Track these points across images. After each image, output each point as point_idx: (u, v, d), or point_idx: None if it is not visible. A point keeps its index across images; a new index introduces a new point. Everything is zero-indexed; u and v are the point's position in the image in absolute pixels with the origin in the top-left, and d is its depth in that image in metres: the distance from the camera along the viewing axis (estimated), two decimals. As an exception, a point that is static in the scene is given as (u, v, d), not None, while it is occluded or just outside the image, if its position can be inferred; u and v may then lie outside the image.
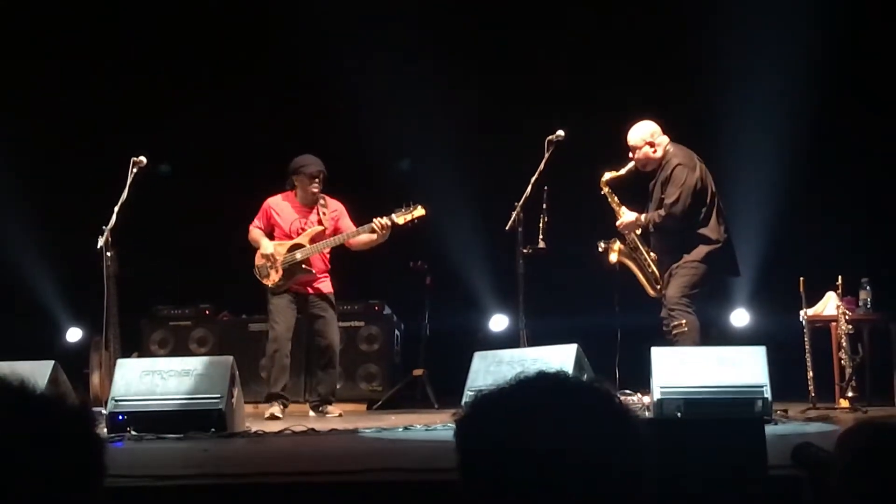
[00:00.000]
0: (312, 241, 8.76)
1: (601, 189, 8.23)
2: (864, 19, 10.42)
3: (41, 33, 11.37)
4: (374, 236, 8.68)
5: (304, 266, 8.72)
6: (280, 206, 8.91)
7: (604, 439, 1.62)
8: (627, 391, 8.24)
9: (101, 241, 8.18)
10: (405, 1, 10.68)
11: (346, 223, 8.83)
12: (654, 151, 8.12)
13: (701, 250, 8.00)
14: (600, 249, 8.30)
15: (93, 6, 11.38)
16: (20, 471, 1.57)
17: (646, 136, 8.15)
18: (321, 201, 8.85)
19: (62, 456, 1.61)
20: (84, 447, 1.66)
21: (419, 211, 8.71)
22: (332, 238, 8.76)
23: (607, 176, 8.23)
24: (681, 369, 7.12)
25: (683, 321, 7.86)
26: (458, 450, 1.69)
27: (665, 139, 8.16)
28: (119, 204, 8.22)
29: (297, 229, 8.80)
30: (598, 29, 10.94)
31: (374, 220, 8.62)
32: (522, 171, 8.38)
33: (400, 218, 8.65)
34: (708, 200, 8.04)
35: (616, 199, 8.23)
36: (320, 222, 8.80)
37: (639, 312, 8.54)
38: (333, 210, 8.86)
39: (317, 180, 8.77)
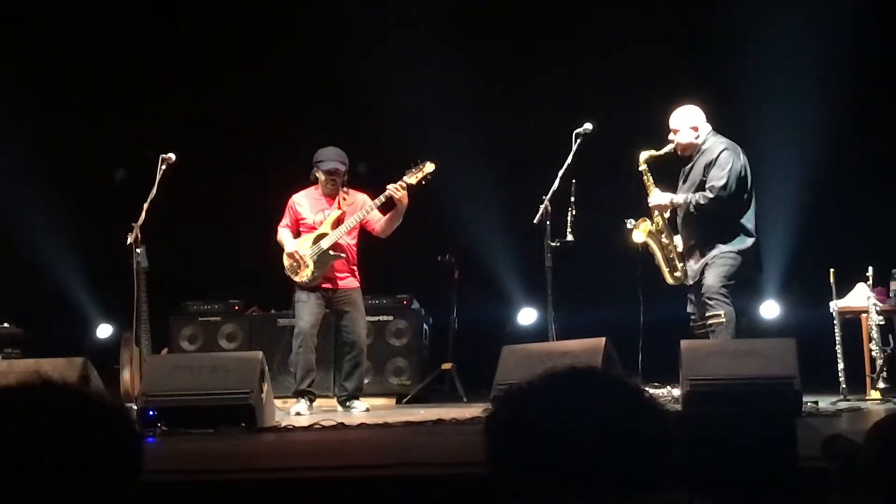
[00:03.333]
0: (335, 226, 8.77)
1: (638, 165, 8.18)
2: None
3: (67, 29, 11.42)
4: (396, 209, 8.65)
5: (332, 252, 8.73)
6: (303, 200, 8.93)
7: (633, 434, 1.62)
8: (656, 384, 8.23)
9: (130, 238, 8.22)
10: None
11: (369, 212, 8.81)
12: (697, 136, 8.08)
13: (739, 242, 7.94)
14: (629, 227, 8.26)
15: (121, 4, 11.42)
16: (61, 467, 1.59)
17: (691, 119, 8.11)
18: (343, 193, 8.86)
19: (101, 453, 1.63)
20: (123, 445, 1.68)
21: (429, 166, 8.68)
22: (353, 216, 8.75)
23: (646, 154, 8.18)
24: (710, 362, 7.10)
25: (721, 312, 7.80)
26: (487, 445, 1.69)
27: (708, 126, 8.13)
28: (148, 200, 8.26)
29: (321, 221, 8.82)
30: (624, 21, 10.90)
31: (388, 187, 8.61)
32: (550, 164, 8.36)
33: (412, 178, 8.63)
34: (748, 190, 8.00)
35: (651, 178, 8.19)
36: (340, 208, 8.81)
37: (664, 305, 8.51)
38: (354, 201, 8.86)
39: (332, 177, 8.78)
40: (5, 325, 9.79)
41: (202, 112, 11.37)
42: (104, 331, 11.48)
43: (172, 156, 8.43)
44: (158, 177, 8.35)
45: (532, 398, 1.69)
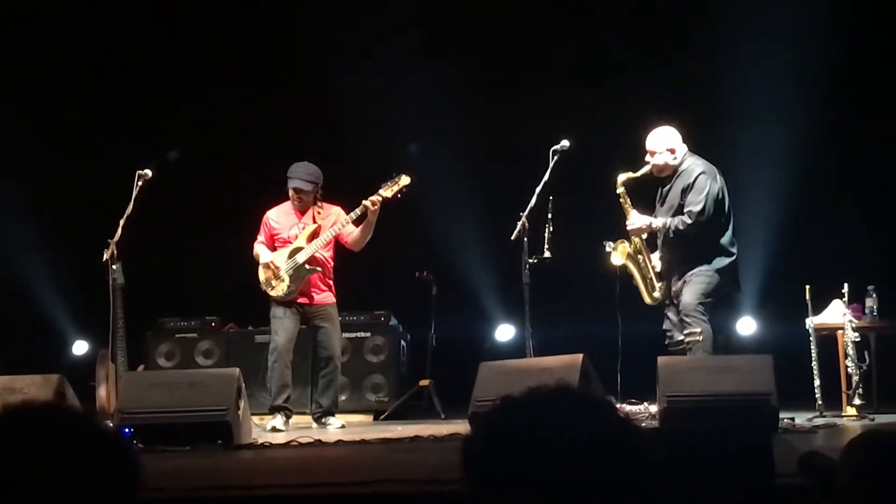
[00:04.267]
0: (310, 239, 8.76)
1: (615, 188, 8.20)
2: (868, 22, 10.42)
3: (45, 41, 11.40)
4: (367, 222, 8.65)
5: (308, 266, 8.72)
6: (277, 215, 8.93)
7: (609, 451, 1.62)
8: (634, 400, 8.24)
9: (106, 255, 8.20)
10: (413, 5, 10.71)
11: (344, 226, 8.80)
12: (674, 158, 8.10)
13: (717, 261, 7.97)
14: (607, 249, 8.27)
15: (93, 19, 11.40)
16: (61, 490, 1.60)
17: (667, 141, 8.12)
18: (317, 207, 8.86)
19: (99, 475, 1.65)
20: (120, 466, 1.70)
21: (405, 180, 8.69)
22: (329, 230, 8.75)
23: (623, 177, 8.19)
24: (687, 378, 7.11)
25: (699, 329, 7.82)
26: (464, 462, 1.69)
27: (685, 147, 8.14)
28: (124, 217, 8.24)
29: (296, 235, 8.82)
30: (603, 41, 10.94)
31: (364, 201, 8.61)
32: (528, 181, 8.38)
33: (387, 191, 8.64)
34: (726, 211, 8.04)
35: (628, 200, 8.21)
36: (315, 222, 8.81)
37: (642, 322, 8.53)
38: (330, 214, 8.86)
39: (298, 195, 8.78)
40: (-21, 341, 9.74)
41: (179, 127, 11.35)
42: (80, 347, 11.41)
43: (149, 172, 8.41)
44: (135, 193, 8.33)
45: (509, 416, 1.69)
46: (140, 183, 8.37)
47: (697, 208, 7.90)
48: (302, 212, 8.87)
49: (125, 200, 8.30)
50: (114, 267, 8.20)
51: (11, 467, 1.61)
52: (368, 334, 10.15)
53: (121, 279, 8.22)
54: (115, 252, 8.22)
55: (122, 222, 8.24)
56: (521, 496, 1.60)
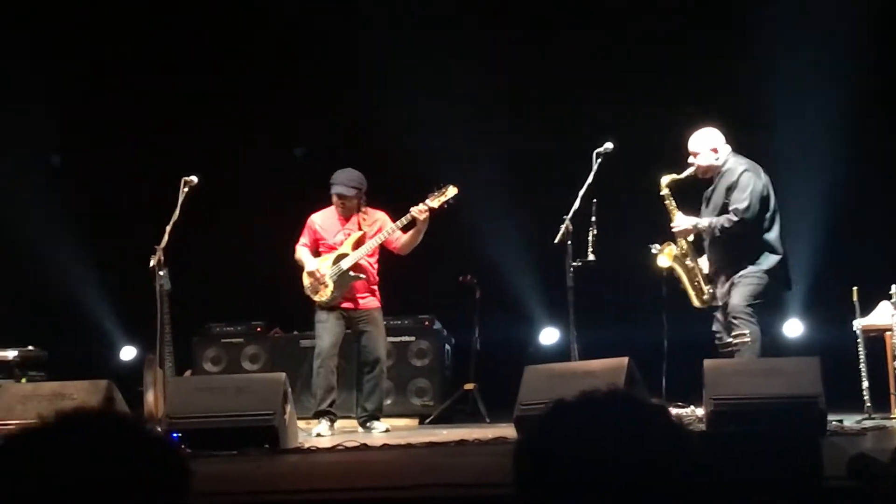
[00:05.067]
0: (355, 247, 8.79)
1: (660, 190, 8.18)
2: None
3: (91, 53, 11.51)
4: (416, 230, 8.68)
5: (352, 273, 8.75)
6: (322, 220, 8.96)
7: (658, 455, 1.62)
8: (680, 403, 8.20)
9: (153, 261, 8.25)
10: (454, 9, 10.72)
11: (391, 234, 8.83)
12: (717, 158, 8.07)
13: (765, 260, 7.93)
14: (653, 252, 8.26)
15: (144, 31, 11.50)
16: (112, 495, 1.62)
17: (710, 142, 8.10)
18: (362, 212, 8.89)
19: (151, 481, 1.67)
20: (170, 470, 1.72)
21: (452, 190, 8.70)
22: (374, 238, 8.78)
23: (667, 178, 8.18)
24: (734, 381, 7.07)
25: (747, 331, 7.78)
26: (515, 466, 1.70)
27: (728, 148, 8.12)
28: (171, 223, 8.30)
29: (341, 241, 8.84)
30: (645, 42, 10.90)
31: (411, 210, 8.64)
32: (571, 184, 8.36)
33: (434, 201, 8.65)
34: (771, 209, 8.00)
35: (673, 202, 8.19)
36: (360, 228, 8.84)
37: (687, 324, 8.50)
38: (375, 220, 8.88)
39: (341, 201, 8.82)
40: (30, 347, 9.84)
41: (225, 134, 11.43)
42: (128, 353, 11.52)
43: (195, 178, 8.47)
44: (181, 199, 8.38)
45: (561, 419, 1.70)
46: (186, 189, 8.42)
47: (743, 205, 7.87)
48: (346, 218, 8.90)
49: (172, 207, 8.36)
50: (161, 273, 8.25)
51: (64, 472, 1.63)
52: (413, 338, 10.17)
53: (168, 285, 8.27)
54: (162, 258, 8.27)
55: (168, 228, 8.29)
56: (572, 500, 1.61)
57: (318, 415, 8.70)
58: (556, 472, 1.63)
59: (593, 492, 1.60)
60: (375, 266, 8.91)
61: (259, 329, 10.50)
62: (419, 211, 8.61)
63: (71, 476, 1.62)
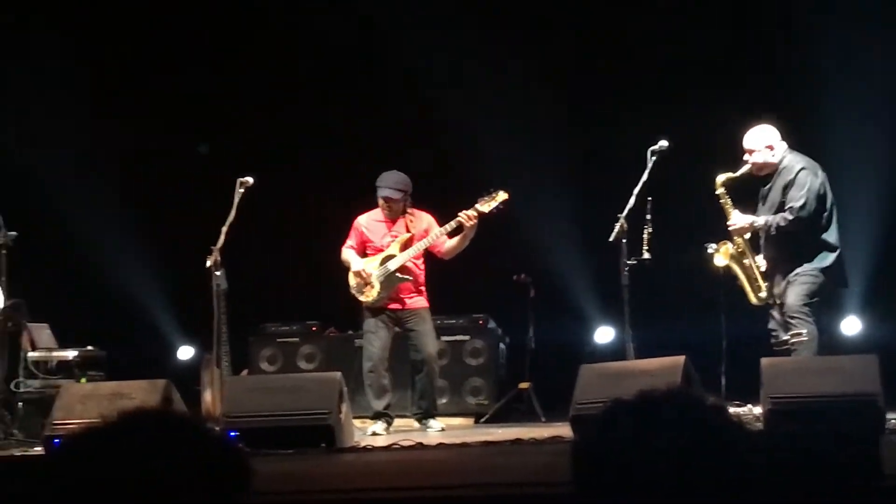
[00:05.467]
0: (403, 248, 8.80)
1: (715, 189, 8.15)
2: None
3: (147, 55, 11.62)
4: (463, 235, 8.67)
5: (399, 275, 8.76)
6: (369, 223, 8.98)
7: (718, 454, 1.62)
8: (737, 402, 8.15)
9: (210, 261, 8.32)
10: (506, 12, 10.72)
11: (438, 238, 8.83)
12: (773, 156, 8.03)
13: (821, 259, 7.89)
14: (709, 251, 8.22)
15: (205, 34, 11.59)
16: (175, 494, 1.64)
17: (766, 139, 8.06)
18: (408, 215, 8.90)
19: (213, 479, 1.69)
20: (232, 468, 1.74)
21: (502, 195, 8.67)
22: (422, 241, 8.79)
23: (723, 177, 8.14)
24: (792, 379, 7.03)
25: (804, 331, 7.74)
26: (574, 464, 1.70)
27: (784, 145, 8.07)
28: (227, 224, 8.36)
29: (388, 243, 8.86)
30: (699, 39, 10.84)
31: (460, 213, 8.63)
32: (626, 182, 8.34)
33: (485, 206, 8.63)
34: (828, 207, 7.95)
35: (729, 200, 8.15)
36: (408, 230, 8.86)
37: (744, 323, 8.44)
38: (422, 223, 8.88)
39: (387, 204, 8.83)
40: (89, 347, 9.93)
41: (280, 134, 11.49)
42: (185, 353, 11.61)
43: (250, 179, 8.52)
44: (236, 200, 8.44)
45: (619, 418, 1.70)
46: (242, 190, 8.48)
47: (799, 204, 7.82)
48: (393, 220, 8.91)
49: (228, 207, 8.42)
50: (217, 273, 8.32)
51: (128, 470, 1.65)
52: (467, 337, 10.17)
53: (224, 285, 8.34)
54: (219, 258, 8.34)
55: (224, 229, 8.35)
56: (630, 499, 1.61)
57: (375, 417, 8.74)
58: (614, 471, 1.64)
59: (651, 491, 1.60)
60: (421, 267, 8.91)
61: (314, 329, 10.55)
62: (468, 216, 8.59)
63: (134, 474, 1.65)
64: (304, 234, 11.10)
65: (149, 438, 1.70)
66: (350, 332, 10.40)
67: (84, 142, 11.09)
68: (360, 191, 9.53)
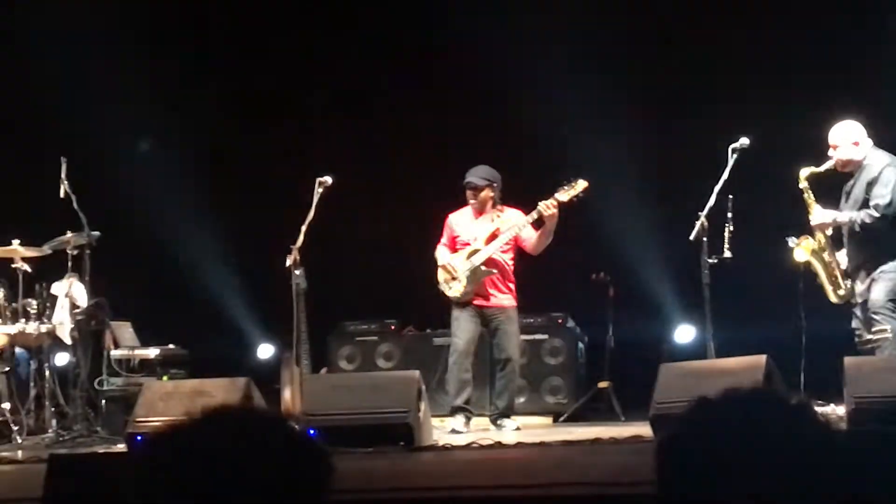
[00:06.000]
0: (488, 241, 8.80)
1: (798, 183, 8.06)
2: None
3: (230, 52, 11.73)
4: (545, 226, 8.65)
5: (484, 268, 8.76)
6: (459, 219, 9.00)
7: (805, 453, 1.59)
8: (820, 402, 8.04)
9: (289, 260, 8.38)
10: (586, 8, 10.68)
11: (522, 229, 8.81)
12: (858, 152, 7.92)
13: None
14: (790, 245, 8.13)
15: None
16: (259, 491, 1.65)
17: (851, 135, 7.96)
18: (497, 210, 8.90)
19: (296, 476, 1.69)
20: (314, 466, 1.74)
21: (581, 184, 8.65)
22: (505, 233, 8.77)
23: (806, 171, 8.05)
24: (876, 378, 6.92)
25: (888, 327, 7.64)
26: (657, 463, 1.68)
27: (869, 141, 7.97)
28: (306, 223, 8.41)
29: (475, 237, 8.87)
30: (781, 35, 10.72)
31: (539, 204, 8.61)
32: (706, 180, 8.26)
33: (564, 195, 8.61)
34: None
35: (812, 195, 8.06)
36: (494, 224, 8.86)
37: (827, 321, 8.33)
38: (509, 218, 8.87)
39: (471, 192, 8.85)
40: (171, 346, 10.05)
41: (359, 132, 11.54)
42: (265, 351, 11.71)
43: (328, 178, 8.57)
44: (315, 199, 8.49)
45: (705, 417, 1.67)
46: (321, 189, 8.53)
47: (884, 201, 7.72)
48: (482, 213, 8.91)
49: (307, 207, 8.47)
50: (296, 272, 8.37)
51: (213, 467, 1.66)
52: (546, 336, 10.14)
53: (303, 284, 8.39)
54: (298, 257, 8.39)
55: (304, 228, 8.41)
56: (717, 499, 1.58)
57: (454, 411, 8.75)
58: (700, 470, 1.61)
59: (738, 490, 1.57)
60: (511, 263, 8.90)
61: (393, 327, 10.59)
62: (546, 206, 8.58)
63: (219, 471, 1.65)
64: (382, 233, 11.15)
65: (233, 435, 1.71)
66: (428, 330, 10.43)
67: (167, 141, 11.22)
68: (440, 189, 9.55)
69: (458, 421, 8.65)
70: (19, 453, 7.99)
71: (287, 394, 8.62)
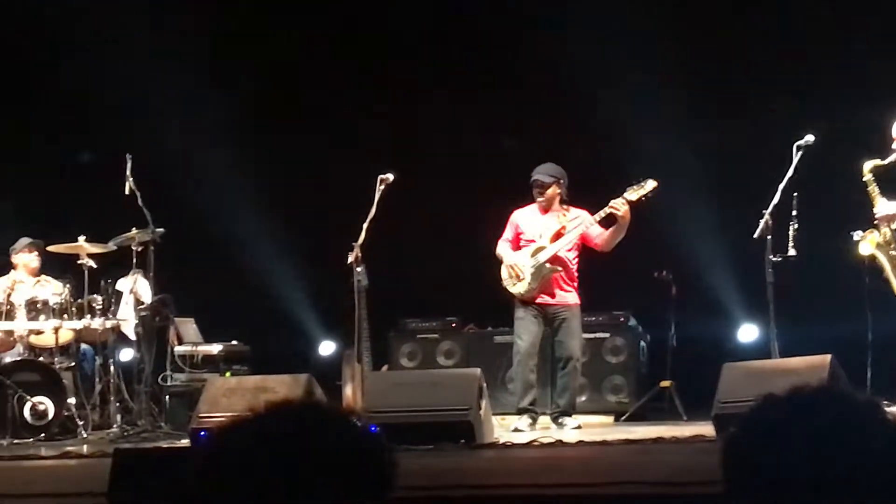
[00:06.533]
0: (554, 239, 8.77)
1: (862, 176, 7.97)
2: None
3: (292, 51, 11.79)
4: (617, 225, 8.61)
5: (549, 265, 8.73)
6: (524, 216, 8.98)
7: (875, 452, 1.57)
8: (886, 402, 7.93)
9: (351, 257, 8.41)
10: (640, 7, 10.62)
11: (588, 227, 8.78)
12: None
13: None
14: (855, 238, 8.05)
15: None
16: (321, 486, 1.65)
17: None
18: (563, 208, 8.87)
19: (360, 472, 1.69)
20: (379, 465, 1.74)
21: (651, 184, 8.61)
22: (571, 232, 8.74)
23: (870, 164, 7.98)
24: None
25: None
26: (724, 463, 1.66)
27: None
28: (368, 220, 8.43)
29: (540, 235, 8.84)
30: (843, 31, 10.60)
31: (610, 203, 8.57)
32: (770, 178, 8.19)
33: (633, 194, 8.57)
34: None
35: (876, 188, 7.96)
36: (560, 223, 8.83)
37: (891, 319, 8.22)
38: (575, 217, 8.84)
39: (537, 189, 8.83)
40: (234, 342, 10.13)
41: (419, 131, 11.55)
42: (327, 348, 11.75)
43: (391, 176, 8.59)
44: (377, 196, 8.51)
45: (772, 415, 1.65)
46: (382, 187, 8.55)
47: None
48: (547, 211, 8.89)
49: (368, 204, 8.49)
50: (358, 269, 8.40)
51: (274, 461, 1.66)
52: (607, 335, 10.09)
53: (365, 281, 8.42)
54: (360, 255, 8.42)
55: (365, 225, 8.43)
56: (784, 499, 1.56)
57: (520, 412, 8.74)
58: (767, 469, 1.59)
59: (807, 490, 1.55)
60: (575, 262, 8.87)
61: (454, 325, 10.59)
62: (617, 204, 8.54)
63: (281, 464, 1.66)
64: (444, 231, 11.14)
65: (296, 429, 1.71)
66: (489, 328, 10.42)
67: (230, 139, 11.29)
68: (503, 186, 9.54)
69: (523, 421, 8.63)
70: (85, 448, 8.09)
71: (348, 391, 8.66)
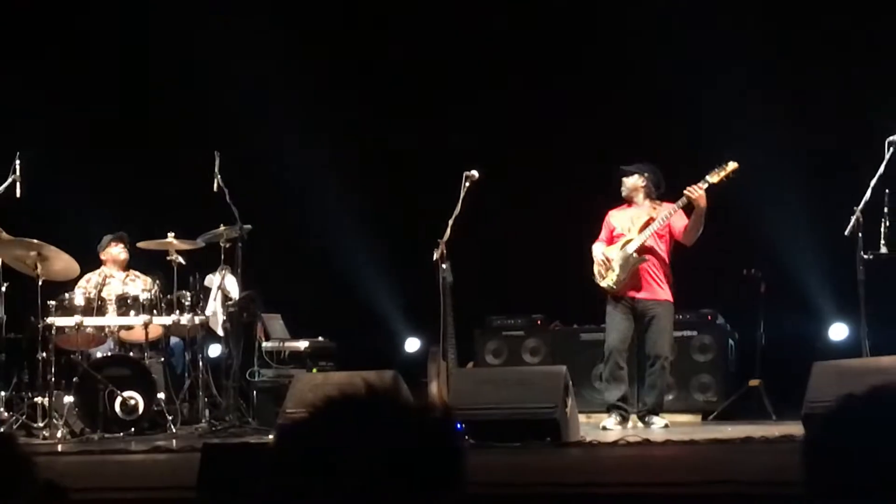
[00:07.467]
0: (641, 230, 8.72)
1: None
2: None
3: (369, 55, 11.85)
4: (695, 212, 8.52)
5: (636, 255, 8.68)
6: (617, 214, 8.96)
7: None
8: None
9: (436, 254, 8.42)
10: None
11: (671, 215, 8.71)
12: None
13: None
14: None
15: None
16: (397, 475, 1.65)
17: None
18: (653, 203, 8.81)
19: (430, 466, 1.68)
20: (449, 456, 1.73)
21: (732, 165, 8.54)
22: (657, 220, 8.68)
23: None
24: None
25: None
26: (804, 465, 1.63)
27: None
28: (453, 217, 8.44)
29: (629, 228, 8.80)
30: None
31: (687, 188, 8.49)
32: (862, 173, 8.06)
33: (714, 177, 8.50)
34: None
35: None
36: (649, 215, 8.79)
37: None
38: (663, 208, 8.77)
39: (628, 188, 8.79)
40: (320, 339, 10.20)
41: (505, 127, 11.54)
42: (412, 345, 11.79)
43: (475, 172, 8.59)
44: (462, 193, 8.52)
45: (852, 416, 1.62)
46: (468, 184, 8.56)
47: None
48: (638, 207, 8.85)
49: (454, 201, 8.50)
50: (443, 266, 8.42)
51: (348, 450, 1.65)
52: (695, 333, 10.00)
53: (450, 278, 8.43)
54: (445, 251, 8.43)
55: (450, 222, 8.44)
56: (868, 499, 1.53)
57: (609, 409, 8.70)
58: (848, 470, 1.56)
59: (890, 490, 1.52)
60: (666, 256, 8.79)
61: (539, 322, 10.56)
62: (693, 189, 8.45)
63: (354, 454, 1.65)
64: (529, 228, 11.12)
65: (358, 420, 1.70)
66: (575, 325, 10.37)
67: (317, 137, 11.37)
68: (590, 183, 9.50)
69: (611, 419, 8.58)
70: (174, 442, 8.19)
71: (434, 388, 8.68)
